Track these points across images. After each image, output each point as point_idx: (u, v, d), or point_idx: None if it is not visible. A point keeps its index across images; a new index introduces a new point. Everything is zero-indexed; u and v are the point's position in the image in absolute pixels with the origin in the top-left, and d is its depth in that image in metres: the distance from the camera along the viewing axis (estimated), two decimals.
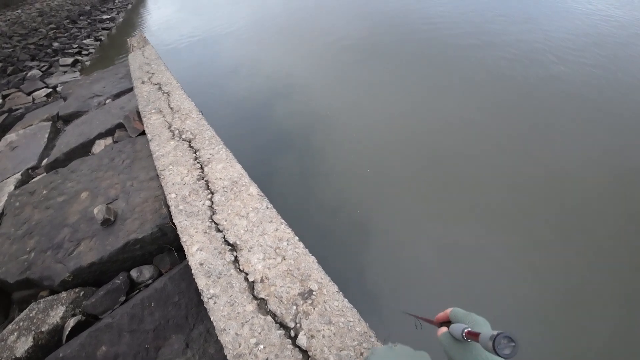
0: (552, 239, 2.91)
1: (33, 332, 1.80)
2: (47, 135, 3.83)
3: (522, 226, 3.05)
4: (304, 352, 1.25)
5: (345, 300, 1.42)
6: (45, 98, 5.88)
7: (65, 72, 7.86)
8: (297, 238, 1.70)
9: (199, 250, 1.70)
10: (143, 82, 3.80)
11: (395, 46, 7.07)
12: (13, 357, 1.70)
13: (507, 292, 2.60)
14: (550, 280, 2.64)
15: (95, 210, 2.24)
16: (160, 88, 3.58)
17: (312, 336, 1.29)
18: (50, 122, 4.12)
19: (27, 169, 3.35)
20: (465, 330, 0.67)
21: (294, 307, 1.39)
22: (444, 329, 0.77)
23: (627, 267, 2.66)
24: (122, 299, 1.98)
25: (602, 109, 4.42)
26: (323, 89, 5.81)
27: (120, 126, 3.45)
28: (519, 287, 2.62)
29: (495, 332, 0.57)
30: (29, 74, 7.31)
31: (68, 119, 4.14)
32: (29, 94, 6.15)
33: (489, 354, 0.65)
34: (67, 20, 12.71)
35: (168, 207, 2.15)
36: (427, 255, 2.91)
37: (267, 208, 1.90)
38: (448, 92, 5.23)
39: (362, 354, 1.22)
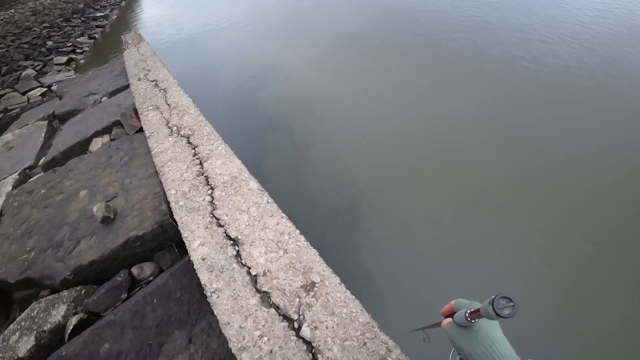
0: (557, 233, 2.92)
1: (35, 332, 1.79)
2: (43, 135, 3.79)
3: (526, 218, 3.05)
4: (308, 343, 1.26)
5: (348, 291, 1.42)
6: (40, 97, 5.81)
7: (59, 71, 7.79)
8: (298, 231, 1.70)
9: (201, 246, 1.70)
10: (139, 79, 3.76)
11: (397, 38, 7.04)
12: (15, 357, 1.70)
13: (509, 285, 2.61)
14: (554, 272, 2.65)
15: (95, 208, 2.22)
16: (156, 85, 3.55)
17: (316, 327, 1.29)
18: (47, 121, 4.08)
19: (25, 169, 3.32)
20: (468, 312, 0.67)
21: (297, 300, 1.39)
22: (448, 320, 0.76)
23: (633, 262, 2.65)
24: (124, 296, 1.97)
25: (610, 102, 4.41)
26: (323, 82, 5.79)
27: (117, 124, 3.42)
28: (520, 280, 2.63)
29: (492, 296, 0.57)
30: (23, 74, 7.23)
31: (64, 118, 4.10)
32: (23, 93, 6.08)
33: (494, 340, 0.65)
34: (61, 19, 12.55)
35: (168, 203, 2.15)
36: (430, 245, 2.92)
37: (268, 202, 1.89)
38: (451, 82, 5.24)
39: (365, 343, 1.23)
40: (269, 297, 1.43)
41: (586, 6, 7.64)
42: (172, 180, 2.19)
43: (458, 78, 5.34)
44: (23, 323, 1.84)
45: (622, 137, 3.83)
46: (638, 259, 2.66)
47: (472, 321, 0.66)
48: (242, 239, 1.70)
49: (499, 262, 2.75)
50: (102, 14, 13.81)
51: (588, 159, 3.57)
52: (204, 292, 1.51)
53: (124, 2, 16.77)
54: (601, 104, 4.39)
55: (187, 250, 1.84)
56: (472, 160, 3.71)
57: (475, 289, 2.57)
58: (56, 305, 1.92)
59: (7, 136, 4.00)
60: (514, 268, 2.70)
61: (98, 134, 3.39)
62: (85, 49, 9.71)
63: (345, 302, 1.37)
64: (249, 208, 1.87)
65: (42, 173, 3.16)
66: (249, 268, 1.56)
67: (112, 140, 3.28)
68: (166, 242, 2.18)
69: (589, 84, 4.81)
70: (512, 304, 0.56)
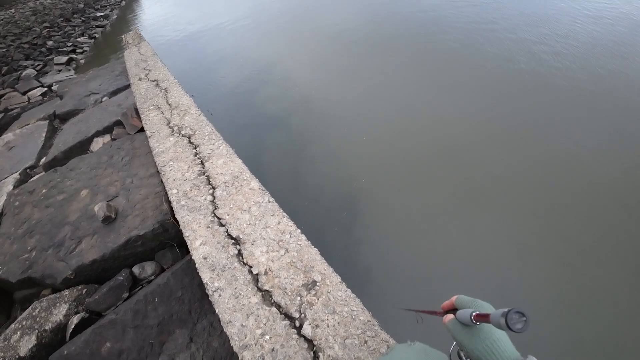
0: (555, 230, 2.93)
1: (36, 331, 1.79)
2: (44, 134, 3.80)
3: (525, 216, 3.07)
4: (309, 341, 1.26)
5: (349, 290, 1.43)
6: (40, 97, 5.81)
7: (60, 70, 7.79)
8: (299, 231, 1.71)
9: (202, 245, 1.71)
10: (140, 79, 3.77)
11: (397, 38, 7.06)
12: (17, 357, 1.70)
13: (508, 281, 2.63)
14: (553, 270, 2.66)
15: (96, 208, 2.23)
16: (157, 84, 3.56)
17: (317, 326, 1.30)
18: (47, 121, 4.09)
19: (25, 169, 3.33)
20: (474, 314, 0.67)
21: (298, 298, 1.40)
22: (450, 316, 0.77)
23: (630, 259, 2.67)
24: (125, 295, 1.98)
25: (609, 101, 4.42)
26: (324, 81, 5.81)
27: (118, 123, 3.43)
28: (520, 277, 2.64)
29: (506, 309, 0.59)
30: (23, 74, 7.23)
31: (65, 118, 4.11)
32: (24, 93, 6.08)
33: (495, 337, 0.66)
34: (61, 19, 12.57)
35: (169, 203, 2.15)
36: (430, 242, 2.93)
37: (269, 202, 1.90)
38: (451, 81, 5.25)
39: (366, 342, 1.24)
40: (271, 296, 1.44)
41: (585, 6, 7.67)
42: (174, 180, 2.20)
43: (458, 77, 5.36)
44: (24, 322, 1.85)
45: (620, 136, 3.85)
46: (634, 256, 2.68)
47: (477, 323, 0.67)
48: (244, 238, 1.71)
49: (498, 259, 2.76)
50: (102, 14, 13.83)
51: (586, 158, 3.59)
52: (206, 291, 1.52)
53: (124, 2, 16.79)
54: (600, 103, 4.41)
55: (188, 250, 1.85)
56: (472, 158, 3.72)
57: (475, 285, 2.59)
58: (57, 304, 1.92)
59: (8, 136, 4.01)
60: (513, 265, 2.72)
61: (99, 133, 3.40)
62: (85, 48, 9.72)
63: (346, 300, 1.38)
64: (250, 207, 1.88)
65: (43, 173, 3.17)
66: (251, 267, 1.57)
67: (113, 139, 3.28)
68: (167, 241, 2.19)
69: (587, 83, 4.83)
70: (524, 318, 0.58)
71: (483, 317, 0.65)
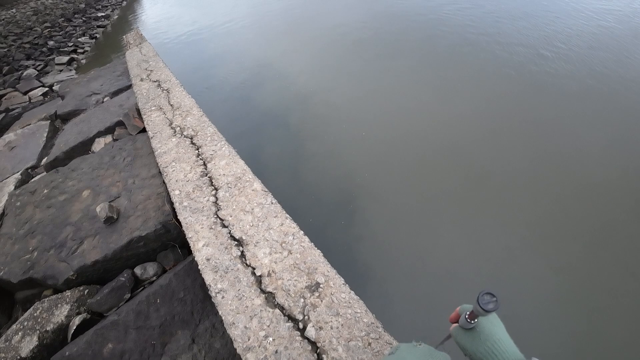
0: (558, 233, 2.93)
1: (38, 332, 1.79)
2: (45, 134, 3.80)
3: (526, 215, 3.08)
4: (313, 343, 1.26)
5: (352, 292, 1.43)
6: (41, 97, 5.82)
7: (61, 70, 7.79)
8: (302, 232, 1.71)
9: (205, 246, 1.71)
10: (142, 80, 3.77)
11: (398, 40, 7.09)
12: (18, 357, 1.69)
13: (509, 279, 2.63)
14: (556, 273, 2.66)
15: (98, 209, 2.23)
16: (159, 85, 3.56)
17: (321, 328, 1.30)
18: (49, 121, 4.08)
19: (27, 169, 3.32)
20: (467, 314, 0.70)
21: (302, 300, 1.40)
22: (454, 325, 0.79)
23: (631, 261, 2.67)
24: (127, 296, 1.98)
25: (611, 102, 4.44)
26: (325, 82, 5.82)
27: (119, 124, 3.43)
28: (520, 275, 2.65)
29: (478, 294, 0.64)
30: (24, 74, 7.23)
31: (66, 118, 4.11)
32: (25, 93, 6.08)
33: (496, 338, 0.67)
34: (62, 19, 12.58)
35: (172, 203, 2.15)
36: (429, 239, 2.94)
37: (272, 203, 1.90)
38: (452, 81, 5.28)
39: (370, 344, 1.24)
40: (274, 298, 1.43)
41: (588, 8, 7.69)
42: (176, 181, 2.20)
43: (457, 77, 5.38)
44: (26, 323, 1.84)
45: (620, 136, 3.87)
46: (634, 255, 2.69)
47: (472, 322, 0.70)
48: (247, 240, 1.71)
49: (498, 257, 2.77)
50: (103, 14, 13.84)
51: (586, 159, 3.61)
52: (209, 292, 1.51)
53: (125, 2, 16.81)
54: (602, 104, 4.43)
55: (190, 251, 1.84)
56: (473, 156, 3.74)
57: (476, 283, 2.59)
58: (59, 305, 1.92)
59: (9, 136, 4.01)
60: (514, 263, 2.73)
61: (101, 134, 3.39)
62: (86, 48, 9.72)
63: (349, 302, 1.38)
64: (253, 209, 1.88)
65: (45, 173, 3.16)
66: (254, 269, 1.57)
67: (114, 140, 3.28)
68: (169, 242, 2.19)
69: (591, 83, 4.85)
70: (495, 299, 0.62)
71: (473, 314, 0.69)
